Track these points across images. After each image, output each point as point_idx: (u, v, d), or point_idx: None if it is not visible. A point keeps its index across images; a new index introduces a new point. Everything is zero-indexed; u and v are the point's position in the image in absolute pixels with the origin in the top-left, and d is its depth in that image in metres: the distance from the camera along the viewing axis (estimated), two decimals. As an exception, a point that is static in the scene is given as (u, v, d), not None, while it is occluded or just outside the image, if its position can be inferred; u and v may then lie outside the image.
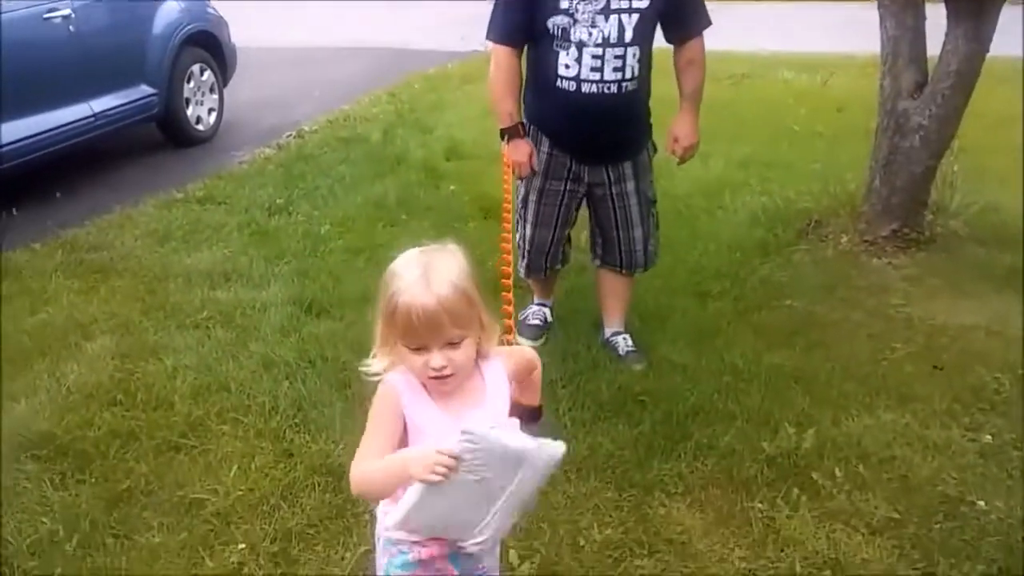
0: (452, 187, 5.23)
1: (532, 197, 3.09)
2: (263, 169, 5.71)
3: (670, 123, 3.11)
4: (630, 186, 3.05)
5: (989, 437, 2.73)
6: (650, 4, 2.78)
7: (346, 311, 3.55)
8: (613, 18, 2.76)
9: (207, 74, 6.57)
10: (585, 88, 2.83)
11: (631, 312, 3.41)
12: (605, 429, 2.75)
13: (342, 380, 3.02)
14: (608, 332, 3.31)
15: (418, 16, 12.82)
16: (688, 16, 2.95)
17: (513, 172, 3.11)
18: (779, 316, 3.57)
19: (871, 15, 4.22)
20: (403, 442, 1.45)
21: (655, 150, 3.15)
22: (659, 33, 2.96)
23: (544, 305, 3.48)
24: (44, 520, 2.34)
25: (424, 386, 1.45)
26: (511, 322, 3.03)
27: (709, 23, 3.00)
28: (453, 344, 1.40)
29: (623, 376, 3.04)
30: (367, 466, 1.42)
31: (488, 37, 2.98)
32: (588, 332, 3.38)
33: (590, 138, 2.94)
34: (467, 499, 1.34)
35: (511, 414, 1.51)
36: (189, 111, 6.33)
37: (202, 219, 4.71)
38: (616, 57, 2.80)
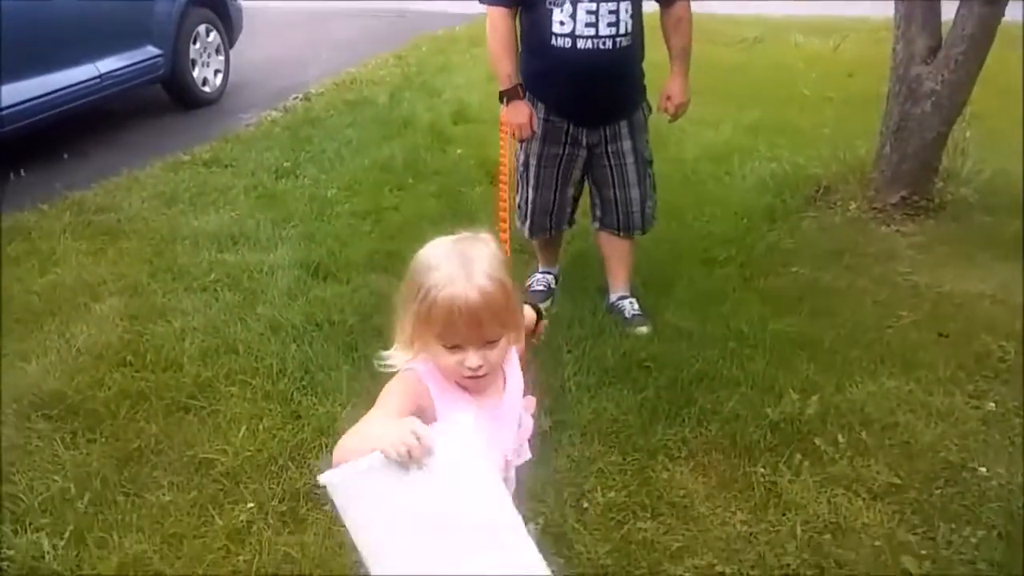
0: (459, 151, 5.22)
1: (532, 162, 3.12)
2: (269, 132, 5.70)
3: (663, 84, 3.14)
4: (626, 145, 3.07)
5: (992, 404, 2.74)
6: None
7: (352, 275, 3.56)
8: None
9: (213, 35, 6.53)
10: (580, 44, 2.86)
11: (636, 277, 3.42)
12: (610, 394, 2.76)
13: (349, 343, 3.04)
14: (613, 296, 3.32)
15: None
16: None
17: (513, 135, 3.11)
18: (785, 283, 3.57)
19: (885, -22, 4.18)
20: None
21: (650, 110, 3.17)
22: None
23: (549, 272, 3.48)
24: (56, 478, 2.37)
25: (442, 378, 1.38)
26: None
27: None
28: (491, 343, 1.32)
29: (628, 342, 3.05)
30: (353, 438, 1.26)
31: (482, 0, 2.98)
32: (593, 298, 3.38)
33: (587, 96, 2.95)
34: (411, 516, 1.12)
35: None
36: (195, 72, 6.30)
37: (209, 182, 4.71)
38: (610, 12, 2.83)
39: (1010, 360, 2.97)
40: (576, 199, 3.27)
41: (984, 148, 4.59)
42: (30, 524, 2.20)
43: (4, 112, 4.60)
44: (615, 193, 3.15)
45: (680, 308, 3.30)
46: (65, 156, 5.16)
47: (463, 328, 1.29)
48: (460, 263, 1.30)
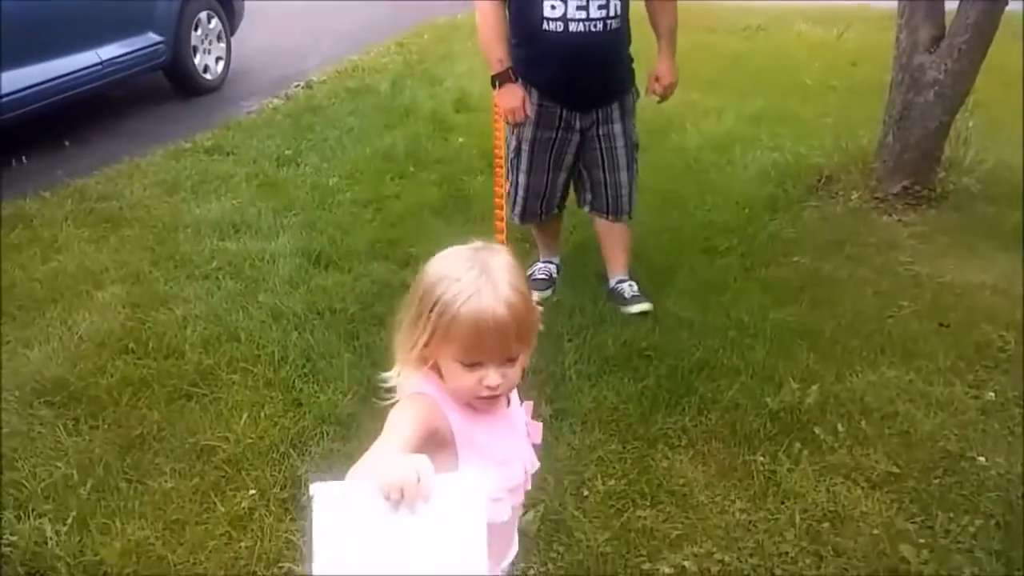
0: (460, 139, 5.21)
1: (524, 147, 3.13)
2: (271, 120, 5.69)
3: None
4: (617, 128, 3.11)
5: (992, 394, 2.75)
6: None
7: (354, 263, 3.57)
8: None
9: (214, 22, 6.51)
10: (572, 27, 2.89)
11: (638, 266, 3.42)
12: (610, 383, 2.77)
13: (350, 331, 3.05)
14: (612, 281, 3.34)
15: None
16: None
17: (506, 120, 3.11)
18: (786, 272, 3.57)
19: (889, -34, 4.16)
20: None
21: (638, 95, 3.20)
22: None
23: (550, 262, 3.49)
24: (58, 464, 2.38)
25: (452, 398, 1.27)
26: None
27: None
28: (511, 360, 1.23)
29: (629, 331, 3.06)
30: (363, 467, 1.10)
31: None
32: (594, 287, 3.39)
33: (579, 79, 2.97)
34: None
35: None
36: (197, 60, 6.29)
37: (210, 169, 4.71)
38: None
39: (1010, 350, 2.97)
40: (567, 185, 3.28)
41: (986, 138, 4.58)
42: (33, 510, 2.21)
43: (5, 99, 4.59)
44: (604, 176, 3.17)
45: (681, 297, 3.31)
46: (67, 143, 5.16)
47: (489, 344, 1.19)
48: (482, 273, 1.19)
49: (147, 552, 2.11)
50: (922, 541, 2.15)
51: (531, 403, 1.42)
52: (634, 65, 3.17)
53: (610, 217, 3.26)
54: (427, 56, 7.51)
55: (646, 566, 2.09)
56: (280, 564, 2.09)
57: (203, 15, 6.34)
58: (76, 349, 2.95)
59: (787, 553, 2.13)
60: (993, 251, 3.72)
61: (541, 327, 1.31)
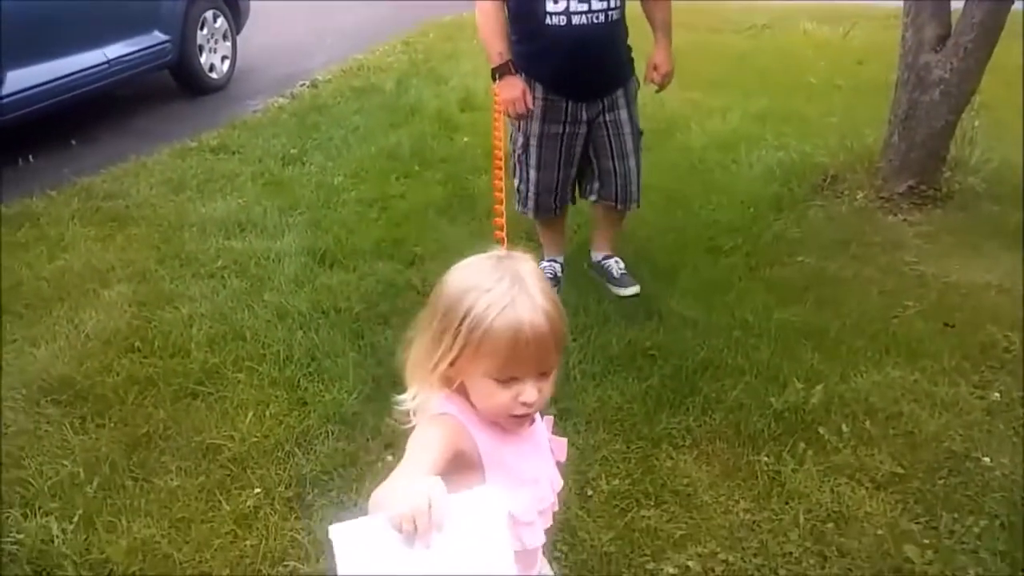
0: (466, 139, 5.21)
1: (532, 143, 3.14)
2: (277, 119, 5.70)
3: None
4: (623, 114, 3.15)
5: (997, 395, 2.74)
6: None
7: (359, 262, 3.58)
8: None
9: (220, 21, 6.53)
10: (575, 20, 2.93)
11: (643, 266, 3.42)
12: (614, 382, 2.77)
13: (355, 330, 3.06)
14: (598, 256, 3.41)
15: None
16: None
17: (507, 112, 3.13)
18: (791, 272, 3.57)
19: (895, -34, 4.15)
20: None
21: (638, 84, 3.23)
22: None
23: (555, 261, 3.49)
24: (65, 463, 2.40)
25: (477, 419, 1.19)
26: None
27: None
28: (546, 374, 1.16)
29: (633, 330, 3.06)
30: (383, 492, 1.03)
31: None
32: (598, 287, 3.39)
33: (584, 71, 3.00)
34: None
35: None
36: (202, 59, 6.30)
37: (216, 168, 4.72)
38: None
39: (1015, 350, 2.97)
40: (577, 177, 3.30)
41: (992, 137, 4.57)
42: (39, 508, 2.23)
43: (12, 98, 4.61)
44: (614, 164, 3.19)
45: (685, 297, 3.31)
46: (73, 142, 5.17)
47: (526, 357, 1.12)
48: (514, 283, 1.13)
49: (153, 550, 2.12)
50: (926, 541, 2.15)
51: (551, 418, 1.37)
52: (632, 55, 3.21)
53: (619, 206, 3.29)
54: (432, 55, 7.51)
55: (650, 566, 2.09)
56: (285, 563, 2.09)
57: (209, 14, 6.35)
58: (82, 347, 2.97)
59: (791, 553, 2.13)
60: (998, 251, 3.71)
61: None
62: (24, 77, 4.71)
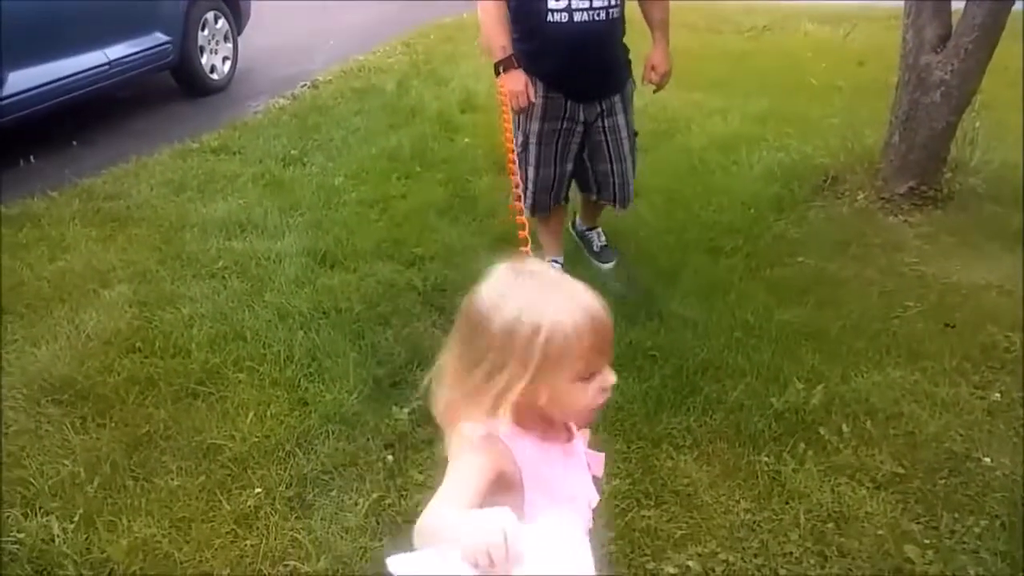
0: (466, 139, 5.21)
1: (532, 140, 3.15)
2: (277, 119, 5.71)
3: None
4: (620, 119, 3.18)
5: (998, 395, 2.74)
6: None
7: (359, 263, 3.58)
8: None
9: (221, 22, 6.53)
10: (577, 17, 2.94)
11: (644, 266, 3.42)
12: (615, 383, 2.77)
13: (355, 331, 3.06)
14: (583, 227, 3.54)
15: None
16: None
17: (510, 105, 3.13)
18: (792, 273, 3.57)
19: (895, -34, 4.15)
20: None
21: (634, 85, 3.26)
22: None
23: (556, 261, 3.49)
24: (66, 462, 2.40)
25: (520, 429, 1.17)
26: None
27: None
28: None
29: (634, 331, 3.05)
30: (446, 512, 1.04)
31: None
32: (597, 287, 3.38)
33: (585, 69, 3.02)
34: None
35: None
36: (203, 60, 6.31)
37: (217, 169, 4.73)
38: None
39: (1016, 351, 2.97)
40: (572, 175, 3.32)
41: (993, 138, 4.56)
42: (40, 508, 2.23)
43: (13, 99, 4.62)
44: (612, 167, 3.23)
45: (686, 297, 3.31)
46: (74, 143, 5.18)
47: (607, 343, 1.15)
48: (555, 285, 1.14)
49: (153, 549, 2.12)
50: (927, 542, 2.15)
51: (587, 432, 1.34)
52: (630, 56, 3.22)
53: (618, 207, 3.34)
54: (433, 56, 7.51)
55: (650, 566, 2.09)
56: (285, 562, 2.10)
57: (210, 15, 6.36)
58: (83, 348, 2.97)
59: (791, 553, 2.13)
60: (999, 252, 3.71)
61: None
62: (25, 78, 4.71)
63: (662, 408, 2.65)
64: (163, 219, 4.05)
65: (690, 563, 2.09)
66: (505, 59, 3.03)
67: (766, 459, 2.44)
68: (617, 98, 3.14)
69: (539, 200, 3.27)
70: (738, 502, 2.30)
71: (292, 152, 4.97)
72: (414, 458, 2.44)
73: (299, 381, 2.79)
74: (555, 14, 2.95)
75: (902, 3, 4.16)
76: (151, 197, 4.33)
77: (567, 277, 1.18)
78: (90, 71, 5.22)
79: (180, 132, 5.35)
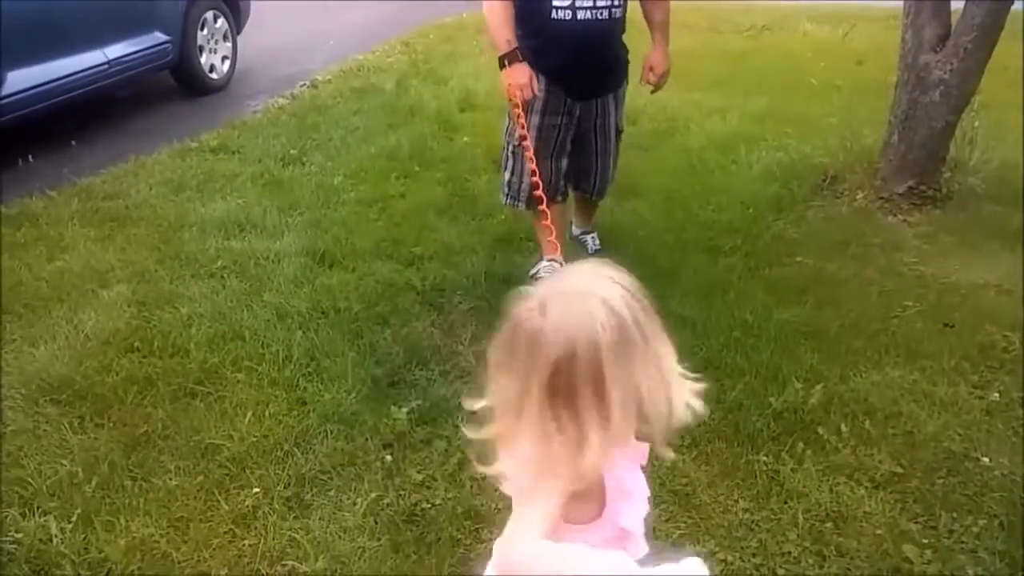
0: (465, 139, 5.21)
1: (532, 135, 3.18)
2: (276, 119, 5.71)
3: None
4: (611, 120, 3.29)
5: (996, 395, 2.74)
6: None
7: (358, 262, 3.58)
8: None
9: (220, 21, 6.53)
10: (581, 15, 3.01)
11: (643, 266, 3.41)
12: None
13: (354, 331, 3.06)
14: (578, 231, 3.71)
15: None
16: None
17: (512, 97, 3.15)
18: (791, 272, 3.57)
19: (894, -34, 4.15)
20: None
21: (627, 83, 3.35)
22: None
23: (555, 260, 3.48)
24: (64, 462, 2.40)
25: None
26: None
27: None
28: None
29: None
30: (531, 547, 1.05)
31: None
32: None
33: (586, 67, 3.09)
34: None
35: None
36: (203, 59, 6.31)
37: (216, 169, 4.72)
38: None
39: (1015, 351, 2.96)
40: (567, 171, 3.36)
41: (992, 138, 4.56)
42: (38, 507, 2.23)
43: (11, 98, 4.61)
44: (597, 162, 3.36)
45: (685, 297, 3.30)
46: (73, 143, 5.18)
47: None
48: (586, 284, 1.08)
49: (151, 549, 2.12)
50: (925, 541, 2.15)
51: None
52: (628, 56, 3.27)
53: (595, 198, 3.52)
54: (432, 56, 7.51)
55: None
56: (284, 562, 2.09)
57: (209, 14, 6.35)
58: (82, 347, 2.97)
59: (790, 553, 2.13)
60: (998, 251, 3.71)
61: None
62: (24, 77, 4.71)
63: (661, 408, 2.64)
64: (162, 219, 4.05)
65: (688, 563, 2.09)
66: (510, 52, 3.07)
67: (765, 459, 2.44)
68: (611, 98, 3.22)
69: (535, 195, 3.29)
70: (736, 502, 2.30)
71: (291, 151, 4.97)
72: (412, 458, 2.44)
73: (297, 381, 2.79)
74: (559, 11, 3.00)
75: (901, 3, 4.16)
76: (150, 197, 4.33)
77: (584, 268, 1.13)
78: (89, 71, 5.21)
79: (179, 131, 5.35)
